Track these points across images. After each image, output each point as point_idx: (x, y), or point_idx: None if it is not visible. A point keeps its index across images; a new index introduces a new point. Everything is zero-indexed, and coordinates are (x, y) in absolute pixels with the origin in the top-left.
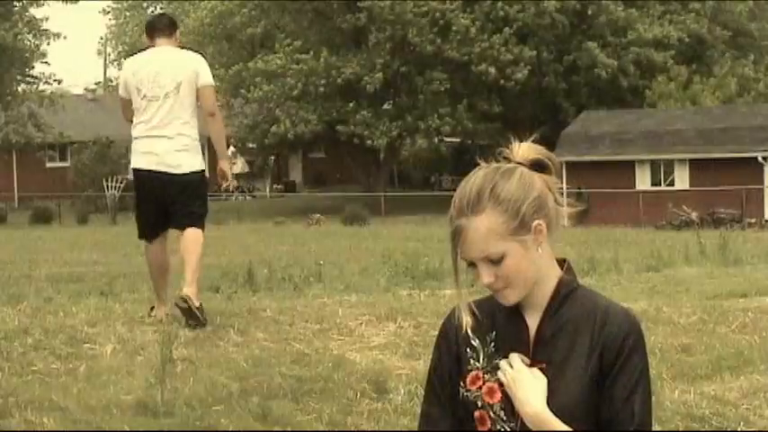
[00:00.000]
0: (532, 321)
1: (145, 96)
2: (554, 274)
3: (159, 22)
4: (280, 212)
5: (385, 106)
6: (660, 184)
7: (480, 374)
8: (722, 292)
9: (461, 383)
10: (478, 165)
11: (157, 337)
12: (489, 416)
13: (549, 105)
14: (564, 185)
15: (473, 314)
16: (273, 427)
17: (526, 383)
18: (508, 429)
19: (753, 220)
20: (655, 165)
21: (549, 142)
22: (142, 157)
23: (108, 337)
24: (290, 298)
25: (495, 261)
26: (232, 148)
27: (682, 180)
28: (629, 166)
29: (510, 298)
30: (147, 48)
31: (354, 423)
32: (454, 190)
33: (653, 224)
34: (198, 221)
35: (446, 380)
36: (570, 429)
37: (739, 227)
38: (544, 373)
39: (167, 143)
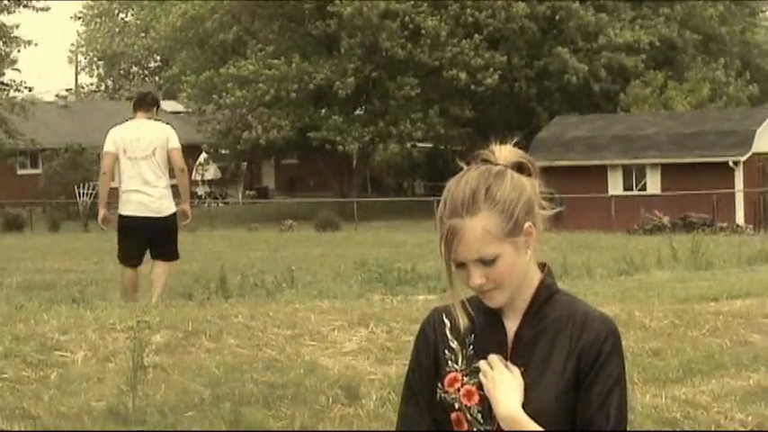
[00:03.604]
0: (511, 324)
1: (129, 157)
2: (535, 278)
3: (144, 100)
4: (252, 219)
5: (357, 112)
6: (632, 189)
7: (458, 376)
8: (693, 295)
9: (439, 385)
10: (452, 170)
11: (129, 344)
12: (466, 418)
13: (522, 110)
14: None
15: (468, 314)
16: None
17: (504, 385)
18: None
19: (724, 225)
20: (627, 169)
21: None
22: (130, 205)
23: (79, 344)
24: (262, 304)
25: (488, 262)
26: (204, 155)
27: (653, 185)
28: (602, 171)
29: (497, 300)
30: (131, 118)
31: (327, 429)
32: (427, 195)
33: (625, 229)
34: (173, 256)
35: (424, 381)
36: (542, 430)
37: (711, 231)
38: (522, 376)
39: (150, 194)
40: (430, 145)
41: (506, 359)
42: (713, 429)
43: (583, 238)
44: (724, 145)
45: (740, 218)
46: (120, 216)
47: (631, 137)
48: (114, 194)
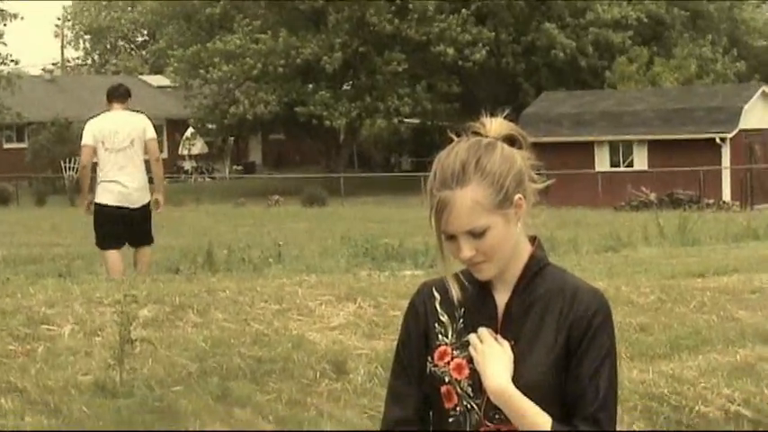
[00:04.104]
0: (501, 298)
1: (107, 149)
2: (525, 251)
3: (117, 91)
4: (239, 194)
5: (344, 87)
6: (619, 165)
7: (448, 350)
8: (680, 272)
9: (429, 359)
10: (438, 145)
11: (116, 318)
12: (456, 392)
13: (509, 86)
14: None
15: (461, 286)
16: (233, 408)
17: (494, 359)
18: (474, 406)
19: (711, 201)
20: (614, 146)
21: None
22: (108, 195)
23: (66, 318)
24: (249, 279)
25: (478, 234)
26: (191, 129)
27: (640, 161)
28: (589, 147)
29: (487, 272)
30: (106, 110)
31: (314, 403)
32: (414, 171)
33: (612, 205)
34: (151, 241)
35: (414, 355)
36: (534, 406)
37: (697, 208)
38: (512, 349)
39: (127, 185)
40: (417, 120)
41: (496, 332)
42: (699, 405)
43: (569, 215)
44: (711, 121)
45: (727, 194)
46: (98, 204)
47: (618, 113)
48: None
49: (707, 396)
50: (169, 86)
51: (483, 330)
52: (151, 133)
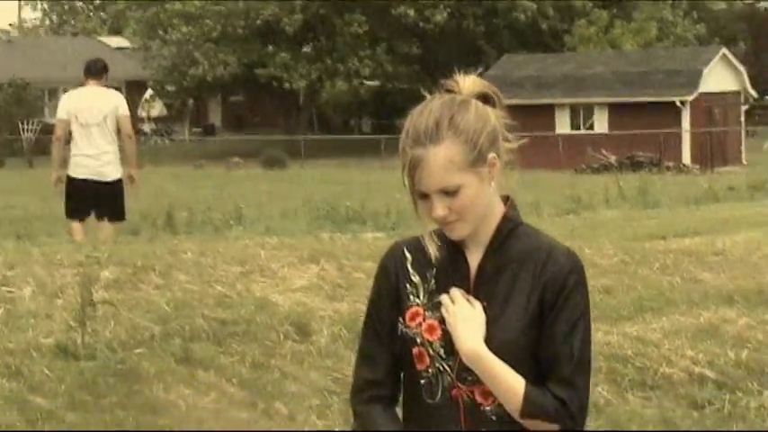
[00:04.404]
0: (474, 258)
1: (81, 123)
2: (498, 211)
3: (94, 67)
4: (198, 156)
5: (304, 49)
6: (580, 128)
7: (420, 311)
8: (642, 234)
9: (400, 319)
10: (399, 108)
11: (77, 280)
12: (428, 353)
13: (470, 49)
14: None
15: (437, 244)
16: (196, 370)
17: (467, 320)
18: (446, 367)
19: (670, 164)
20: (574, 109)
21: None
22: (80, 168)
23: (26, 280)
24: (211, 240)
25: (451, 193)
26: (150, 91)
27: (601, 124)
28: (549, 110)
29: (460, 232)
30: (83, 84)
31: (278, 365)
32: (374, 134)
33: (572, 167)
34: (120, 217)
35: (384, 315)
36: (507, 367)
37: (657, 170)
38: (485, 310)
39: (99, 159)
40: (377, 83)
41: (468, 293)
42: (664, 366)
43: (530, 177)
44: (671, 84)
45: (686, 157)
46: (69, 177)
47: (579, 76)
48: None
49: (671, 358)
50: (128, 48)
51: (455, 291)
52: (124, 110)
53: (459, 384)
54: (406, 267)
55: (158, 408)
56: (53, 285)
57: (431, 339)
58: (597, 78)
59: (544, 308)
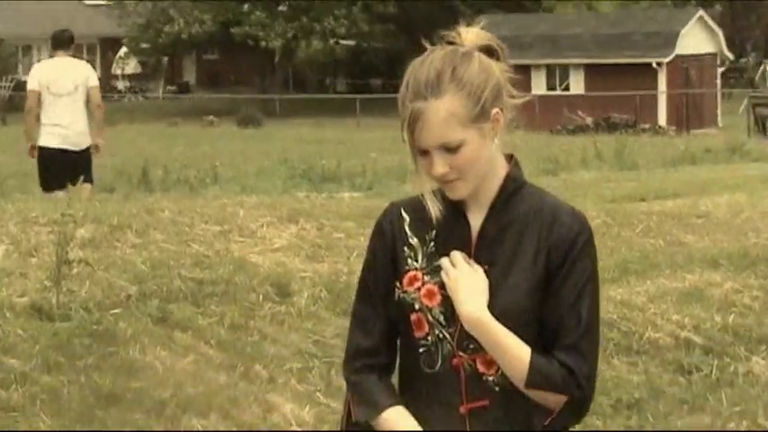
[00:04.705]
0: (475, 220)
1: (52, 93)
2: (501, 170)
3: (61, 38)
4: (173, 114)
5: (280, 7)
6: (556, 89)
7: (419, 275)
8: (621, 195)
9: (397, 284)
10: (375, 67)
11: (52, 238)
12: (427, 319)
13: (446, 8)
14: None
15: (438, 203)
16: (173, 331)
17: (468, 284)
18: (446, 335)
19: (647, 126)
20: (551, 69)
21: None
22: (52, 138)
23: (0, 238)
24: (188, 198)
25: (452, 149)
26: (124, 49)
27: (577, 85)
28: (525, 71)
29: (460, 191)
30: (52, 56)
31: (257, 326)
32: (349, 93)
33: (548, 128)
34: (91, 179)
35: (380, 280)
36: (511, 335)
37: (633, 132)
38: (487, 274)
39: (70, 128)
40: (353, 42)
41: (470, 256)
42: (649, 330)
43: (507, 138)
44: (648, 46)
45: (662, 119)
46: (41, 147)
47: (555, 36)
48: None
49: (656, 322)
50: (103, 4)
51: (456, 254)
52: (94, 81)
53: (460, 353)
54: (404, 229)
55: (135, 370)
56: (28, 244)
57: (430, 305)
58: (574, 39)
59: (550, 272)
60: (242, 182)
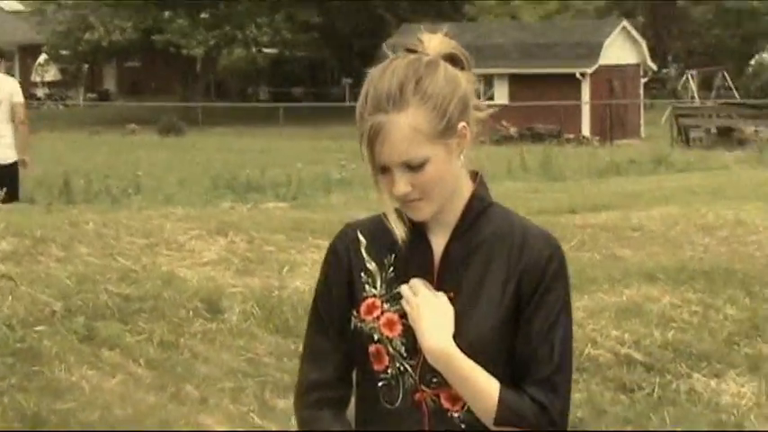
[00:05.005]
0: (439, 243)
1: None
2: (466, 188)
3: None
4: (93, 122)
5: (202, 15)
6: (480, 99)
7: (377, 303)
8: (549, 207)
9: (354, 313)
10: (297, 76)
11: None
12: (387, 351)
13: (370, 17)
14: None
15: (404, 224)
16: (100, 349)
17: (432, 314)
18: (408, 368)
19: (571, 136)
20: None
21: (369, 55)
22: None
23: None
24: (113, 210)
25: (415, 167)
26: (44, 56)
27: (501, 95)
28: None
29: (424, 212)
30: None
31: (188, 344)
32: (271, 101)
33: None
34: (14, 198)
35: (335, 308)
36: (479, 368)
37: (558, 142)
38: (452, 302)
39: None
40: (275, 50)
41: (432, 283)
42: (589, 347)
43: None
44: (571, 56)
45: (586, 129)
46: None
47: (480, 46)
48: None
49: (596, 338)
50: (22, 11)
51: (416, 281)
52: (19, 97)
53: (423, 387)
54: (360, 253)
55: (60, 390)
56: None
57: (390, 336)
58: (497, 49)
59: (521, 300)
60: (165, 191)
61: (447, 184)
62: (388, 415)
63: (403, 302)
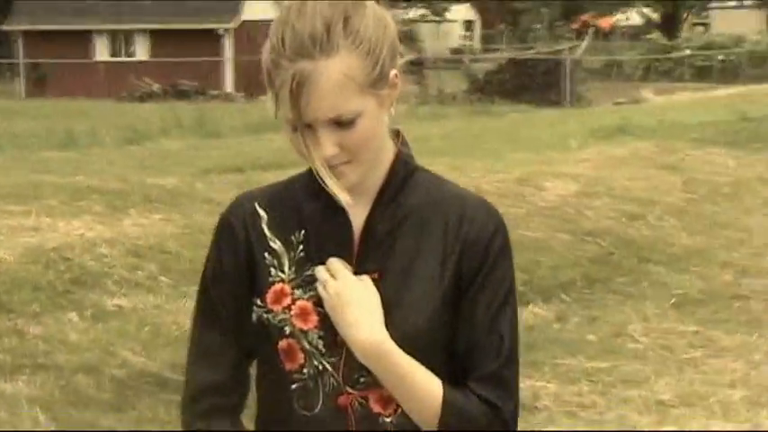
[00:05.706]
0: (357, 216)
1: None
2: (389, 150)
3: None
4: None
5: None
6: (120, 55)
7: (287, 289)
8: (215, 166)
9: (258, 302)
10: None
11: None
12: (302, 347)
13: None
14: (20, 59)
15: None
16: None
17: (356, 300)
18: (328, 366)
19: (216, 93)
20: (114, 35)
21: None
22: None
23: None
24: None
25: (345, 124)
26: None
27: (142, 51)
28: (88, 36)
29: (350, 177)
30: None
31: None
32: None
33: (114, 96)
34: None
35: (231, 296)
36: (416, 364)
37: (203, 99)
38: (377, 286)
39: None
40: None
41: (352, 263)
42: None
43: (75, 106)
44: (213, 12)
45: (229, 86)
46: None
47: (118, 2)
48: None
49: None
50: None
51: (334, 261)
52: None
53: (349, 389)
54: (261, 229)
55: None
56: None
57: (305, 328)
58: (137, 5)
59: (463, 282)
60: None
61: (376, 143)
62: (306, 423)
63: (318, 287)
